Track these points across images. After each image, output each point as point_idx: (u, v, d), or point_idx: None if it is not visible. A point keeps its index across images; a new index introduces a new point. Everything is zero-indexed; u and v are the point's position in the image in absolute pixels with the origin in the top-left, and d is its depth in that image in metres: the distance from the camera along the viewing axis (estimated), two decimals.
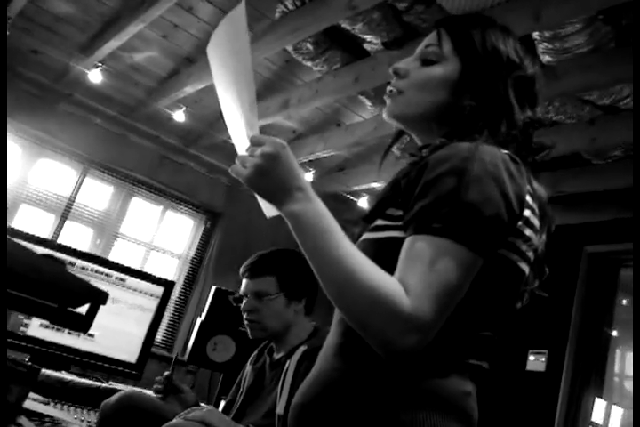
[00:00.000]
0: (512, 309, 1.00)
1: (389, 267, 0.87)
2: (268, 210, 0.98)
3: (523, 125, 1.02)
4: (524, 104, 1.04)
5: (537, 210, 0.98)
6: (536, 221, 0.97)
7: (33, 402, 1.70)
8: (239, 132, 1.00)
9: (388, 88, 1.10)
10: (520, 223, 0.93)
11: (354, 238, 1.01)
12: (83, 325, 0.94)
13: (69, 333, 2.84)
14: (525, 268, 0.97)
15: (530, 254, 0.97)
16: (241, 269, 2.09)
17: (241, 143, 0.98)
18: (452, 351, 0.91)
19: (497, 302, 0.95)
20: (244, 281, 2.08)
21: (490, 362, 0.96)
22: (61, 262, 1.02)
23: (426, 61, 1.08)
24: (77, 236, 4.66)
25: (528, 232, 0.95)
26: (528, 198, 0.95)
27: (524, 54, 1.08)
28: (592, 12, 2.65)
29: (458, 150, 0.91)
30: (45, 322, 2.72)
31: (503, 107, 1.01)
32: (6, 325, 2.47)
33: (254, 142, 0.92)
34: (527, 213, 0.94)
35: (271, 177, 0.90)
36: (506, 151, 0.95)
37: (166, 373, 2.15)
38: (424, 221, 0.87)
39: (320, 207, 0.90)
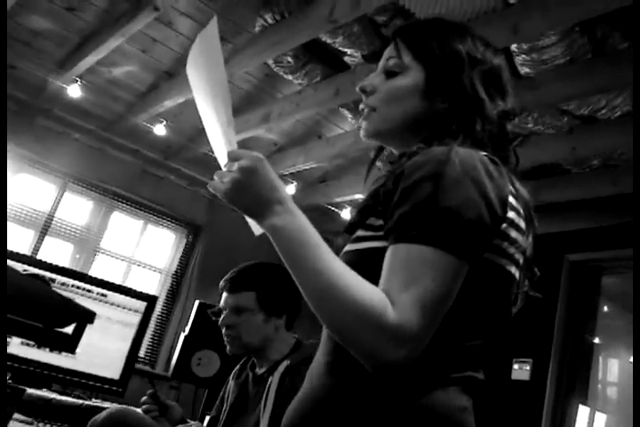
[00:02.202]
0: (507, 314, 0.98)
1: (374, 278, 0.85)
2: (256, 227, 0.97)
3: (497, 118, 1.02)
4: (495, 97, 1.04)
5: (522, 211, 0.96)
6: (522, 223, 0.95)
7: (17, 423, 1.68)
8: (220, 147, 1.00)
9: (361, 106, 1.10)
10: (505, 225, 0.91)
11: (337, 250, 0.99)
12: (69, 345, 0.92)
13: (51, 350, 2.79)
14: (515, 271, 0.95)
15: (518, 257, 0.95)
16: (221, 283, 2.06)
17: (222, 159, 0.98)
18: (445, 364, 0.89)
19: (489, 309, 0.93)
20: (224, 295, 2.05)
21: (482, 368, 0.95)
22: (47, 282, 1.00)
23: (390, 73, 1.08)
24: (57, 251, 4.60)
25: (514, 234, 0.93)
26: (511, 199, 0.93)
27: (485, 48, 1.08)
28: (568, 24, 2.69)
29: (433, 155, 0.90)
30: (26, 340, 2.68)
31: (474, 103, 1.01)
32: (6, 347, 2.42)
33: (232, 157, 0.91)
34: (511, 214, 0.92)
35: (249, 191, 0.89)
36: (484, 153, 0.94)
37: (149, 391, 2.09)
38: (404, 230, 0.86)
39: (301, 220, 0.89)
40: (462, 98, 1.01)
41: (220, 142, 1.00)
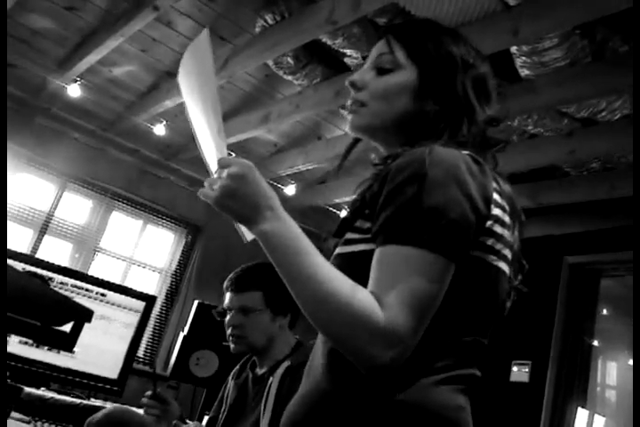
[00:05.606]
0: (500, 309, 0.98)
1: (364, 281, 0.86)
2: (246, 234, 0.98)
3: (483, 124, 1.03)
4: (483, 103, 1.04)
5: (507, 207, 0.97)
6: (507, 218, 0.96)
7: (15, 422, 1.68)
8: (211, 155, 1.01)
9: (349, 101, 1.09)
10: (490, 222, 0.92)
11: (328, 253, 1.00)
12: (67, 343, 0.92)
13: (49, 349, 2.79)
14: (504, 266, 0.96)
15: (506, 252, 0.96)
16: (225, 283, 2.04)
17: (213, 166, 0.99)
18: (438, 362, 0.89)
19: (481, 305, 0.94)
20: (229, 295, 2.03)
21: (480, 369, 0.95)
22: (45, 280, 1.00)
23: (381, 70, 1.06)
24: (56, 251, 4.60)
25: (500, 230, 0.94)
26: (496, 196, 0.94)
27: (476, 54, 1.08)
28: (568, 26, 2.69)
29: (415, 156, 0.90)
30: (25, 338, 2.68)
31: (465, 108, 1.02)
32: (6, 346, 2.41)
33: (222, 164, 0.92)
34: (497, 211, 0.93)
35: (239, 197, 0.90)
36: (466, 152, 0.95)
37: (148, 393, 2.05)
38: (389, 232, 0.87)
39: (291, 226, 0.90)
40: (454, 101, 1.02)
41: (210, 150, 1.01)
